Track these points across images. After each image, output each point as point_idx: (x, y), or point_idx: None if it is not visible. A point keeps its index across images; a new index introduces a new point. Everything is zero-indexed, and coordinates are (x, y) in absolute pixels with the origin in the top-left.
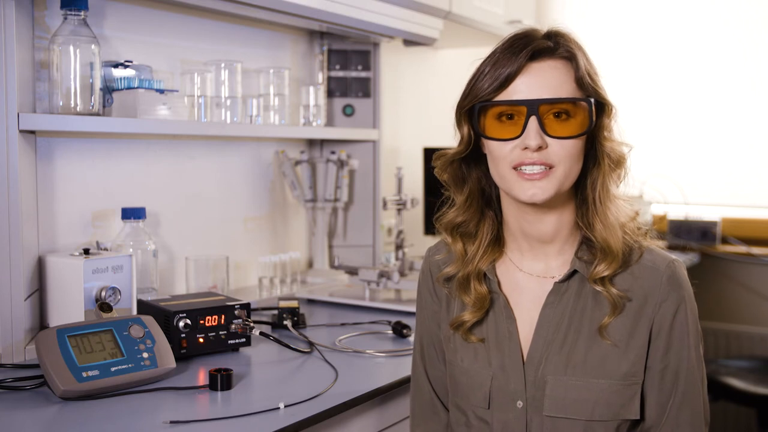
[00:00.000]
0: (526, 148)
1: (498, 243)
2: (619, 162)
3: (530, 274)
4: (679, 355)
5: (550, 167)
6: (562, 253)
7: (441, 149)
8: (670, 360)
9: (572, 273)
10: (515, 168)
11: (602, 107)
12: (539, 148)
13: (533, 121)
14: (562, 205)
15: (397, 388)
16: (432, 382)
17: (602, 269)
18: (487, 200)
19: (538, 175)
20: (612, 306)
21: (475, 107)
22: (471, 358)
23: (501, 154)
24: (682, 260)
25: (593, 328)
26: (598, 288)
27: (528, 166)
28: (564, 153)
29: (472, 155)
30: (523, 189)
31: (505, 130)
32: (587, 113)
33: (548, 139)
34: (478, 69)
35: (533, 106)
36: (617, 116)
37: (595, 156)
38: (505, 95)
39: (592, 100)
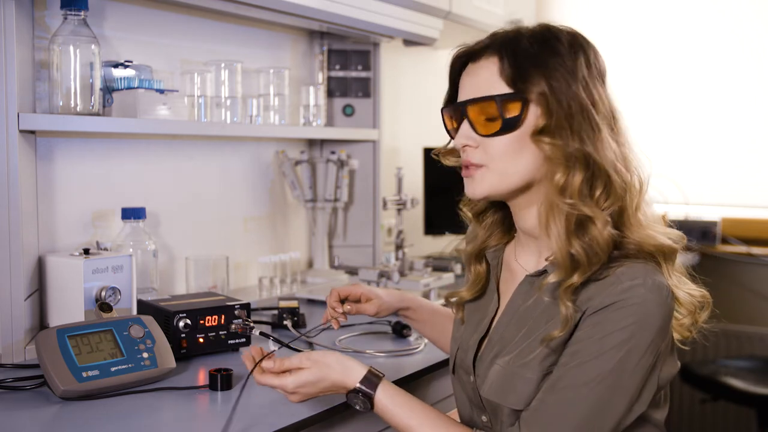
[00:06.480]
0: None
1: (512, 229)
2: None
3: (523, 266)
4: (582, 343)
5: (482, 166)
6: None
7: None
8: (572, 344)
9: (543, 271)
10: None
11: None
12: (465, 148)
13: (465, 123)
14: (541, 201)
15: None
16: None
17: (558, 277)
18: None
19: (471, 173)
20: (563, 321)
21: (441, 112)
22: (457, 328)
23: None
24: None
25: (543, 330)
26: (546, 298)
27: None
28: (493, 152)
29: None
30: (466, 185)
31: (454, 133)
32: (518, 110)
33: (481, 139)
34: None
35: (459, 109)
36: (560, 115)
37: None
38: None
39: (498, 97)
